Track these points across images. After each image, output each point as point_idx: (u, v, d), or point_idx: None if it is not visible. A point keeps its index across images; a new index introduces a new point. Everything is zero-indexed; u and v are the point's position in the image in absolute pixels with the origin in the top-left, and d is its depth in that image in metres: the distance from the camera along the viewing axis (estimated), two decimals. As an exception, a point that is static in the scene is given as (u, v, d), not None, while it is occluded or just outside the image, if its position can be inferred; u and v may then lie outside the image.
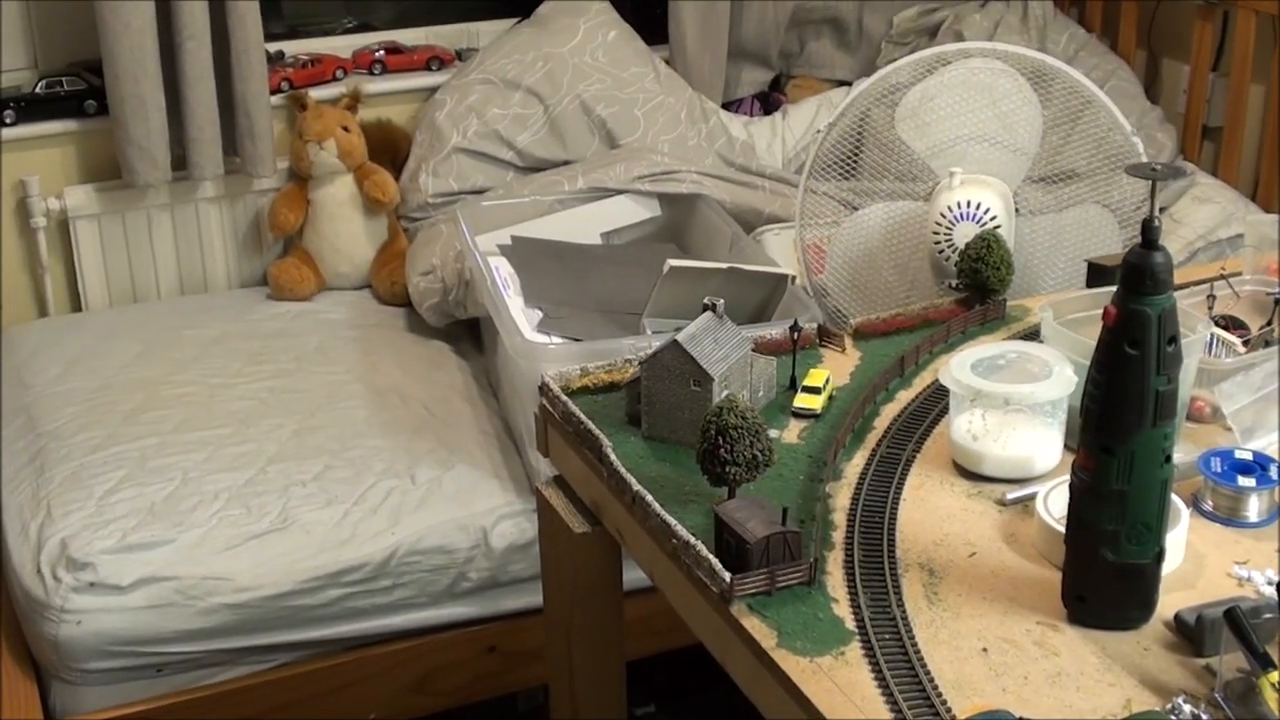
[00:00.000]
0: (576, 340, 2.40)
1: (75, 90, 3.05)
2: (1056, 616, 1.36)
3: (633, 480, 1.55)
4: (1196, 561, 1.44)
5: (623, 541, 1.65)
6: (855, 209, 2.51)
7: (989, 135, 2.29)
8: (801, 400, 1.75)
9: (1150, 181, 1.31)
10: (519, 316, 2.38)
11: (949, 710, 1.22)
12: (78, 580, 2.19)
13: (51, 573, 2.21)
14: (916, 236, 2.36)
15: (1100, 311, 1.28)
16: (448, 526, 2.36)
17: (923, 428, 1.71)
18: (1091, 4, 3.49)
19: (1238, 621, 1.22)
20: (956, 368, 1.61)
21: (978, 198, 2.22)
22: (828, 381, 1.78)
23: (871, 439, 1.69)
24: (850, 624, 1.35)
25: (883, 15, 3.58)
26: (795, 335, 1.83)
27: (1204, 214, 2.96)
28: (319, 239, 3.19)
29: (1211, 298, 1.87)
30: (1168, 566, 1.36)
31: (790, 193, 2.98)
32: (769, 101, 3.64)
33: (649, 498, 1.51)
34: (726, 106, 3.54)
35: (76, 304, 3.16)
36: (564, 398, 1.74)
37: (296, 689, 2.34)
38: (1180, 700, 1.22)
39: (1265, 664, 1.20)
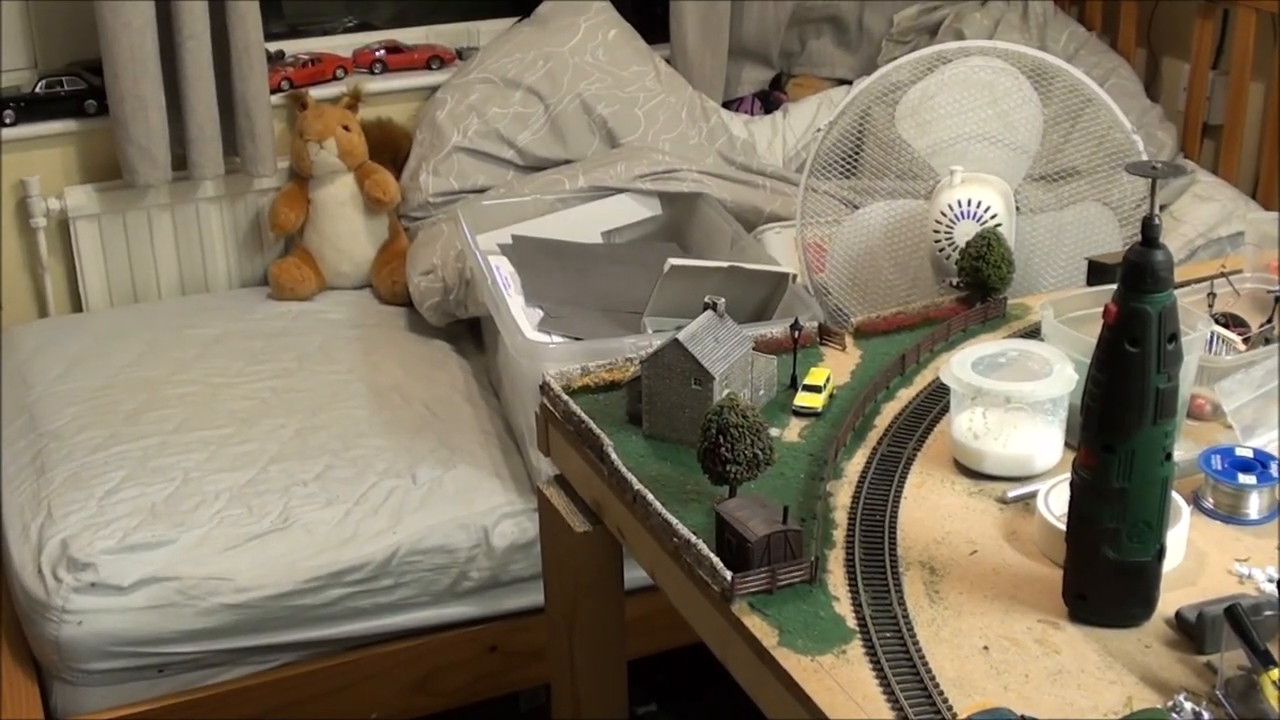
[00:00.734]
0: (577, 339, 2.40)
1: (75, 90, 3.05)
2: (1057, 614, 1.36)
3: (634, 479, 1.55)
4: (1197, 559, 1.44)
5: (624, 540, 1.65)
6: (856, 207, 2.51)
7: (989, 134, 2.29)
8: (802, 399, 1.75)
9: (1150, 180, 1.31)
10: (520, 316, 2.38)
11: (950, 708, 1.22)
12: (79, 580, 2.19)
13: (52, 573, 2.21)
14: (917, 235, 2.36)
15: (1101, 309, 1.28)
16: (449, 526, 2.36)
17: (923, 426, 1.71)
18: (1091, 2, 3.49)
19: (1239, 619, 1.22)
20: (957, 366, 1.61)
21: (978, 196, 2.22)
22: (828, 380, 1.77)
23: (872, 437, 1.69)
24: (851, 622, 1.35)
25: (883, 14, 3.58)
26: (796, 334, 1.83)
27: (1204, 212, 2.96)
28: (320, 238, 3.19)
29: (1212, 295, 1.87)
30: (1168, 564, 1.36)
31: (791, 191, 2.98)
32: (770, 100, 3.64)
33: (650, 497, 1.51)
34: (727, 105, 3.54)
35: (77, 304, 3.16)
36: (565, 397, 1.74)
37: (298, 689, 2.34)
38: (1181, 698, 1.22)
39: (1266, 661, 1.20)
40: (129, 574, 2.21)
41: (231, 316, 3.06)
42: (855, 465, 1.63)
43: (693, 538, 1.43)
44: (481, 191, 3.12)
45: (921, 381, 1.82)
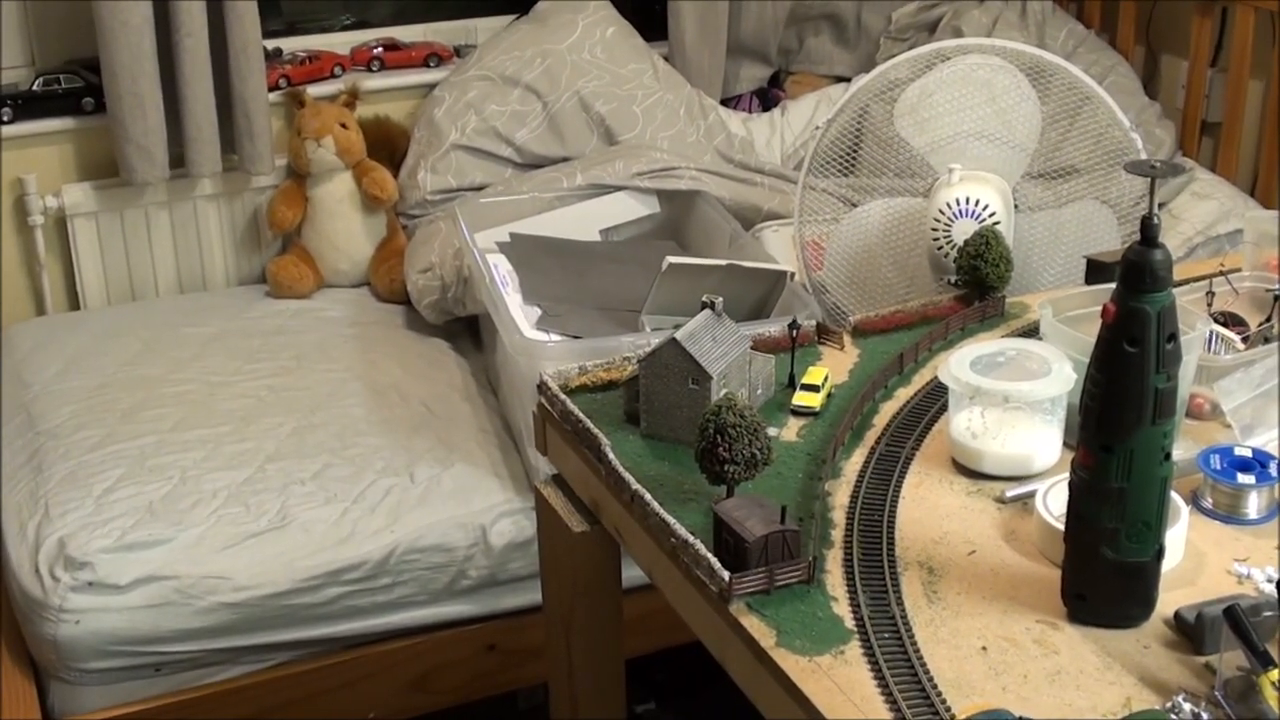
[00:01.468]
0: (575, 338, 2.40)
1: (73, 88, 3.04)
2: (1056, 615, 1.36)
3: (631, 479, 1.55)
4: (1196, 559, 1.44)
5: (621, 540, 1.65)
6: (854, 205, 2.50)
7: (988, 131, 2.29)
8: (800, 398, 1.75)
9: (1149, 178, 1.30)
10: (518, 314, 2.38)
11: (948, 709, 1.22)
12: (76, 579, 2.19)
13: (50, 572, 2.21)
14: (915, 233, 2.36)
15: (1099, 308, 1.28)
16: (447, 524, 2.36)
17: (922, 425, 1.70)
18: (1090, 0, 3.49)
19: (1237, 619, 1.22)
20: (955, 365, 1.61)
21: (976, 194, 2.22)
22: (826, 379, 1.77)
23: (870, 437, 1.69)
24: (849, 623, 1.35)
25: (881, 11, 3.57)
26: (794, 333, 1.82)
27: (1203, 210, 2.95)
28: (318, 236, 3.19)
29: (1211, 294, 1.86)
30: (1167, 564, 1.36)
31: (789, 189, 2.98)
32: (768, 98, 3.64)
33: (647, 496, 1.51)
34: (725, 103, 3.54)
35: (75, 302, 3.16)
36: (562, 396, 1.74)
37: (296, 688, 2.34)
38: (1180, 698, 1.22)
39: (1265, 662, 1.19)
40: (126, 573, 2.21)
41: (229, 315, 3.05)
42: (853, 465, 1.62)
43: (690, 538, 1.42)
44: (479, 189, 3.12)
45: (920, 381, 1.81)
